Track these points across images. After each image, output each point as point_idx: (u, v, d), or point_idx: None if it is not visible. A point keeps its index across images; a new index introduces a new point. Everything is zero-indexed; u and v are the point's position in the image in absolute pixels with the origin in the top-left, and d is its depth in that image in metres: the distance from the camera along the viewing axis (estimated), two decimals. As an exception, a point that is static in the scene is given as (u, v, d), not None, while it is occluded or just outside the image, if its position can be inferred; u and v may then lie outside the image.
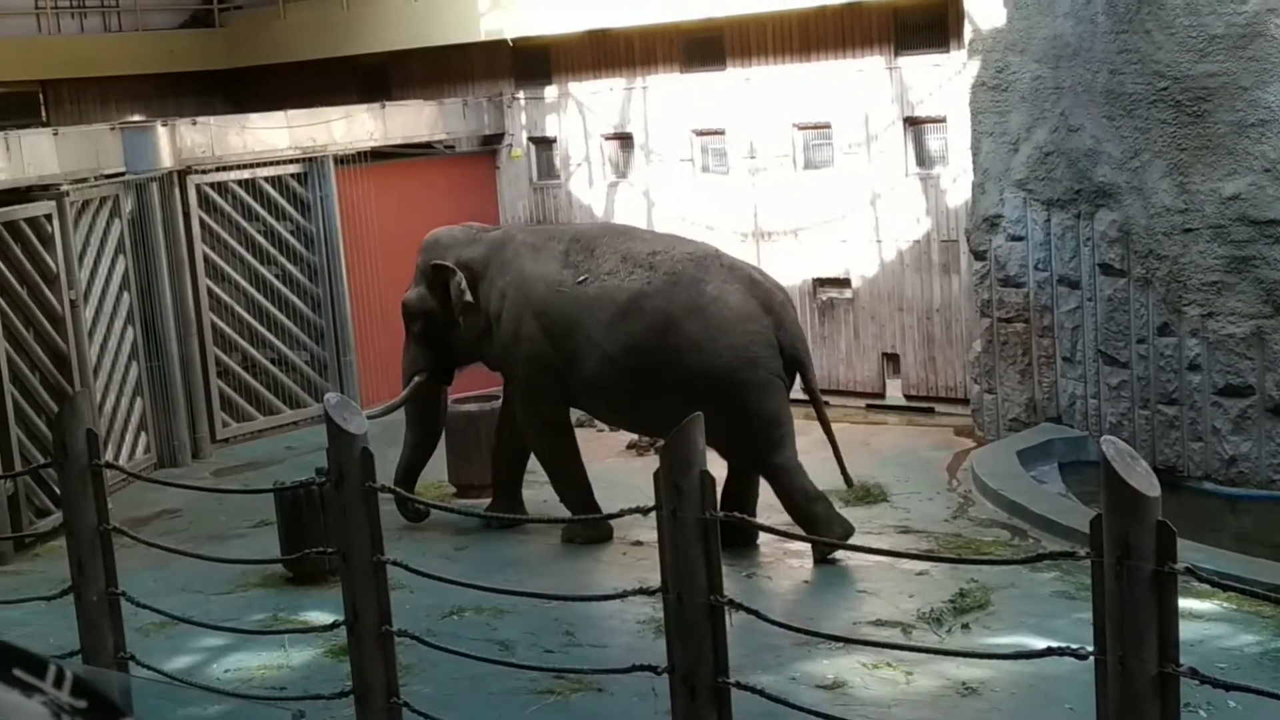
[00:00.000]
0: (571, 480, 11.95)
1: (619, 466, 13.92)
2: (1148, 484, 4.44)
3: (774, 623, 5.67)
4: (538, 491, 13.03)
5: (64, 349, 13.37)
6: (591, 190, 17.64)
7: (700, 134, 16.69)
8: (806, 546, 10.72)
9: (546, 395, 11.80)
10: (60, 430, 6.93)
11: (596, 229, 12.93)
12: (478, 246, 12.32)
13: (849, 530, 10.73)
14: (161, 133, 14.99)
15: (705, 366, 10.92)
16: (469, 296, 12.02)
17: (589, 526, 11.44)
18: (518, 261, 11.99)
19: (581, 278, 11.59)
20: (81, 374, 13.54)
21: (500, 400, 13.08)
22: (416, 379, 12.39)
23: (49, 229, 13.32)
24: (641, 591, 5.91)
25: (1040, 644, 5.13)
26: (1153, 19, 11.96)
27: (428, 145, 18.21)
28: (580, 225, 13.08)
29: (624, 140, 17.38)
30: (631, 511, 5.79)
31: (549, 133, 17.98)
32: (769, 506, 11.10)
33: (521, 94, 18.16)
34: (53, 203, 13.39)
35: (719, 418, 10.70)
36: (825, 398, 15.79)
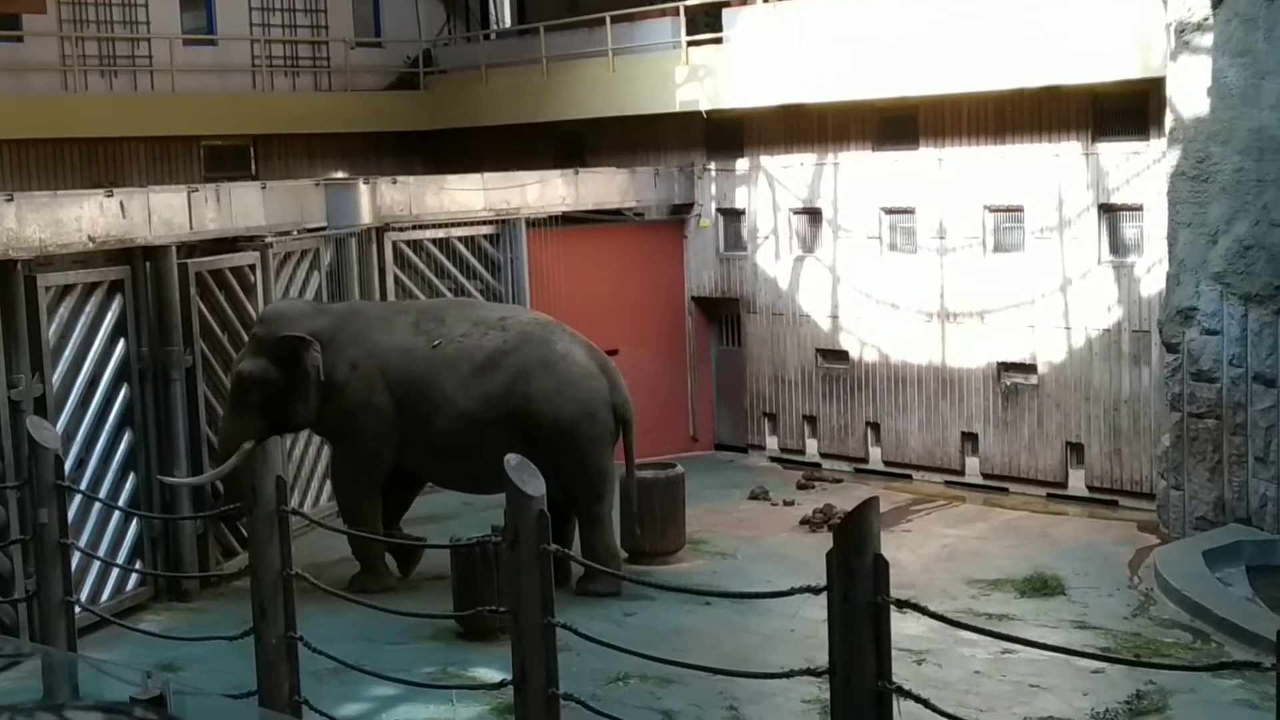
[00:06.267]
0: (370, 531, 12.64)
1: (792, 541, 13.86)
2: (1341, 598, 4.30)
3: (943, 714, 5.55)
4: (707, 562, 13.02)
5: (258, 395, 13.78)
6: (778, 263, 17.68)
7: (889, 212, 16.64)
8: (978, 637, 10.53)
9: (380, 461, 12.69)
10: (251, 475, 7.15)
11: (442, 301, 13.88)
12: (324, 319, 13.01)
13: (614, 592, 11.96)
14: (363, 190, 15.46)
15: (553, 415, 12.26)
16: (320, 368, 12.61)
17: (379, 577, 12.58)
18: (369, 333, 12.83)
19: (436, 342, 12.66)
20: (273, 420, 13.94)
21: (679, 470, 13.44)
22: (246, 446, 12.11)
23: (252, 278, 13.82)
24: (809, 672, 5.85)
25: (1219, 756, 4.97)
26: (1365, 114, 11.61)
27: (618, 212, 18.47)
28: (424, 300, 14.51)
29: (813, 215, 17.40)
30: (802, 590, 5.76)
31: (738, 204, 18.09)
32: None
33: (713, 165, 18.32)
34: (257, 253, 13.90)
35: (555, 466, 11.71)
36: (1005, 484, 15.71)
